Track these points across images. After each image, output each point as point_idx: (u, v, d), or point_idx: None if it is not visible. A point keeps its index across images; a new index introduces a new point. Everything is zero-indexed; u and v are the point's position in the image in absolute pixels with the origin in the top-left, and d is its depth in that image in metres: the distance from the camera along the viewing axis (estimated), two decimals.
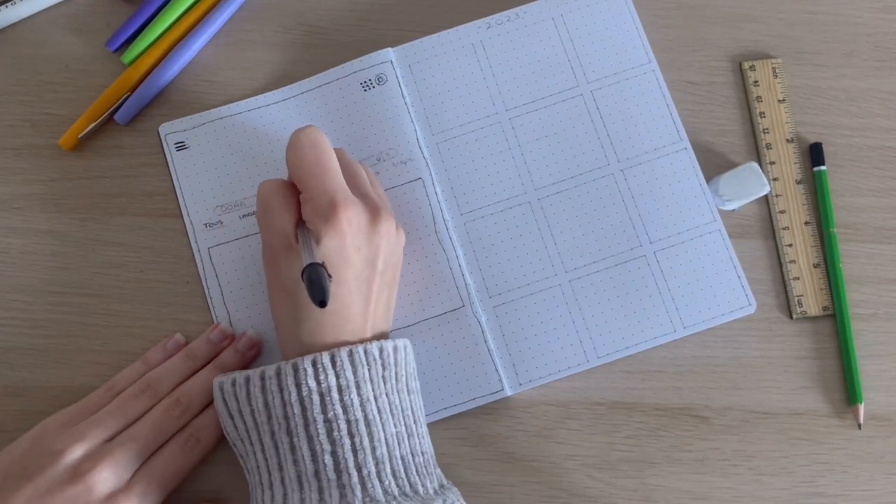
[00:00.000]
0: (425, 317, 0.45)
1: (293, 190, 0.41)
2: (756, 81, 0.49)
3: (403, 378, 0.40)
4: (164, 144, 0.47)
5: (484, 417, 0.45)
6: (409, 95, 0.48)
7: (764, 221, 0.48)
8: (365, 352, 0.39)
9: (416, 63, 0.48)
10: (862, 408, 0.45)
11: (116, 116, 0.47)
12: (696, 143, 0.49)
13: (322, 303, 0.36)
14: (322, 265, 0.37)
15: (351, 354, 0.38)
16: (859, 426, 0.45)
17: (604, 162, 0.47)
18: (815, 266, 0.47)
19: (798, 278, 0.47)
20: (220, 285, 0.45)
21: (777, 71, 0.50)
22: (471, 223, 0.46)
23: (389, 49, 0.48)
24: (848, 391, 0.46)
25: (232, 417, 0.40)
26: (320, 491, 0.37)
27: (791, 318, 0.47)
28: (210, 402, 0.43)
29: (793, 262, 0.47)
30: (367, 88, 0.47)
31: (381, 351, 0.39)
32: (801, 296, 0.47)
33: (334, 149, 0.41)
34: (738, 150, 0.49)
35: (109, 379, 0.44)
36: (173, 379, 0.43)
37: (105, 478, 0.38)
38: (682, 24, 0.51)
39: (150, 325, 0.45)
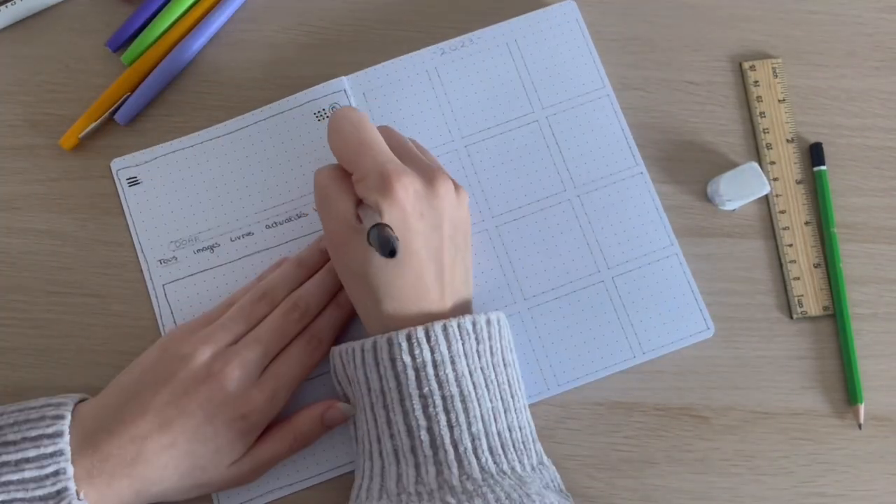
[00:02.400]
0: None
1: (347, 173, 0.41)
2: (756, 81, 0.49)
3: (499, 352, 0.40)
4: (116, 180, 0.46)
5: None
6: None
7: (764, 221, 0.48)
8: (459, 326, 0.39)
9: (371, 91, 0.48)
10: (862, 408, 0.45)
11: (116, 116, 0.47)
12: (696, 143, 0.49)
13: (392, 252, 0.36)
14: (386, 225, 0.37)
15: (445, 329, 0.38)
16: (859, 426, 0.45)
17: (560, 188, 0.47)
18: (816, 266, 0.47)
19: (798, 278, 0.47)
20: (175, 323, 0.45)
21: (777, 71, 0.50)
22: None
23: (343, 77, 0.47)
24: (848, 391, 0.46)
25: (340, 384, 0.42)
26: (416, 466, 0.37)
27: (791, 318, 0.47)
28: (327, 303, 0.44)
29: (793, 262, 0.47)
30: (320, 118, 0.47)
31: (474, 325, 0.39)
32: (801, 296, 0.47)
33: (379, 127, 0.41)
34: (739, 150, 0.49)
35: (111, 379, 0.44)
36: (287, 285, 0.43)
37: (237, 376, 0.40)
38: (682, 24, 0.51)
39: (149, 326, 0.45)
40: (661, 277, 0.46)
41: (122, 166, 0.46)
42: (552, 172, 0.47)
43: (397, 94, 0.48)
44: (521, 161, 0.47)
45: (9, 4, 0.48)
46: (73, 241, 0.46)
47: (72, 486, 0.37)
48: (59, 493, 0.37)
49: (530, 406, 0.44)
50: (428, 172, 0.40)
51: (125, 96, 0.48)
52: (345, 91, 0.47)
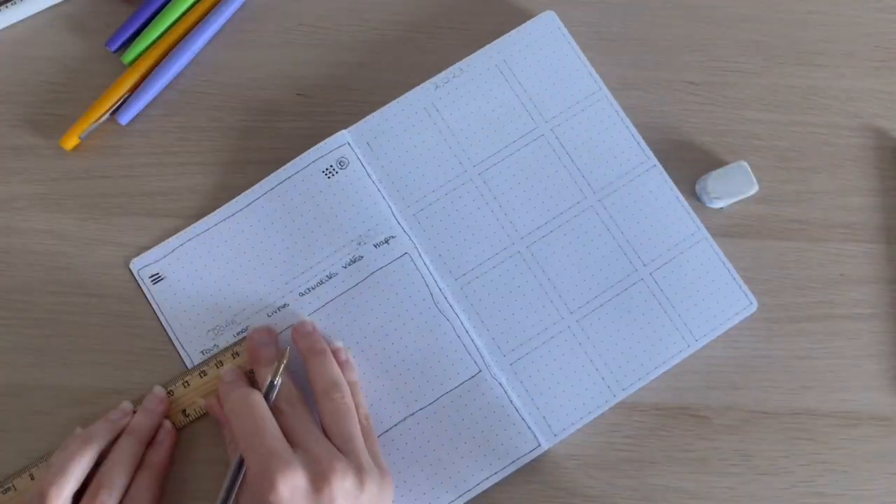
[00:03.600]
0: (444, 391, 0.44)
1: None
2: None
3: None
4: (139, 280, 0.45)
5: None
6: (375, 173, 0.47)
7: (764, 221, 0.48)
8: None
9: (374, 139, 0.47)
10: None
11: (116, 116, 0.47)
12: (695, 143, 0.49)
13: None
14: None
15: None
16: None
17: (580, 196, 0.47)
18: None
19: None
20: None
21: None
22: (467, 286, 0.46)
23: (344, 131, 0.47)
24: None
25: None
26: None
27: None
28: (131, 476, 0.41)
29: None
30: (330, 175, 0.46)
31: None
32: None
33: (312, 357, 0.42)
34: (738, 150, 0.49)
35: (111, 379, 0.44)
36: (124, 473, 0.40)
37: None
38: (681, 24, 0.51)
39: (149, 325, 0.45)
40: (697, 263, 0.46)
41: (142, 265, 0.45)
42: (569, 183, 0.47)
43: (401, 137, 0.47)
44: (537, 178, 0.47)
45: (9, 4, 0.48)
46: (73, 241, 0.46)
47: None
48: None
49: (597, 417, 0.44)
50: (321, 465, 0.37)
51: (125, 96, 0.48)
52: (348, 143, 0.47)
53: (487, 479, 0.43)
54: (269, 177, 0.46)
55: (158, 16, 0.49)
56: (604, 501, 0.44)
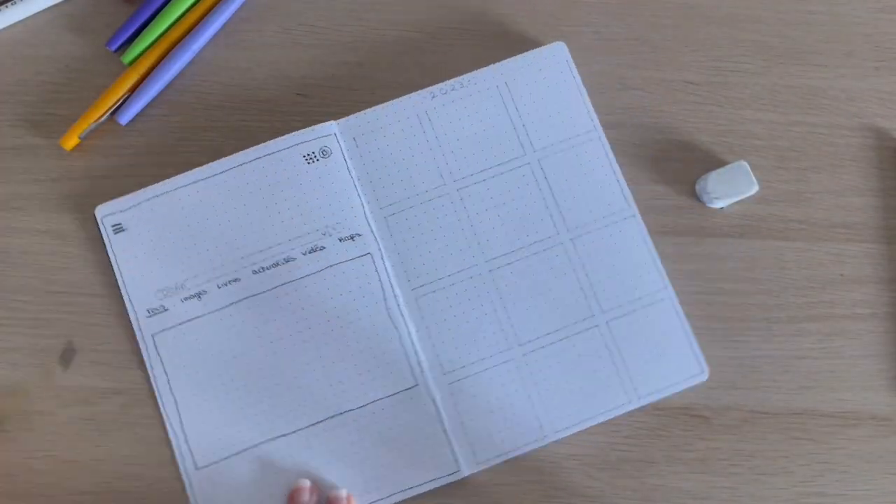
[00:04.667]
0: (376, 397, 0.44)
1: None
2: None
3: None
4: (101, 227, 0.45)
5: None
6: (355, 168, 0.47)
7: (764, 221, 0.48)
8: None
9: (361, 135, 0.47)
10: None
11: (117, 116, 0.47)
12: (695, 143, 0.49)
13: None
14: None
15: None
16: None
17: (553, 231, 0.47)
18: None
19: None
20: (166, 373, 0.44)
21: None
22: (422, 298, 0.46)
23: (332, 122, 0.47)
24: None
25: None
26: None
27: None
28: None
29: None
30: (310, 161, 0.46)
31: None
32: None
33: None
34: (737, 150, 0.49)
35: (111, 378, 0.44)
36: None
37: None
38: (682, 24, 0.51)
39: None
40: (656, 321, 0.46)
41: (106, 213, 0.45)
42: (545, 216, 0.47)
43: (388, 139, 0.47)
44: (514, 205, 0.47)
45: (9, 4, 0.48)
46: (73, 241, 0.46)
47: None
48: None
49: (523, 455, 0.44)
50: None
51: (125, 96, 0.48)
52: (335, 135, 0.47)
53: (401, 492, 0.43)
54: (249, 150, 0.46)
55: (158, 16, 0.49)
56: (604, 501, 0.44)
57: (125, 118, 0.47)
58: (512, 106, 0.48)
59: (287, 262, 0.45)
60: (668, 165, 0.48)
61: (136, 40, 0.48)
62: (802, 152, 0.49)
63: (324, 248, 0.45)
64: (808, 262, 0.48)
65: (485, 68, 0.48)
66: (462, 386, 0.45)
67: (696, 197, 0.48)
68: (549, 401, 0.45)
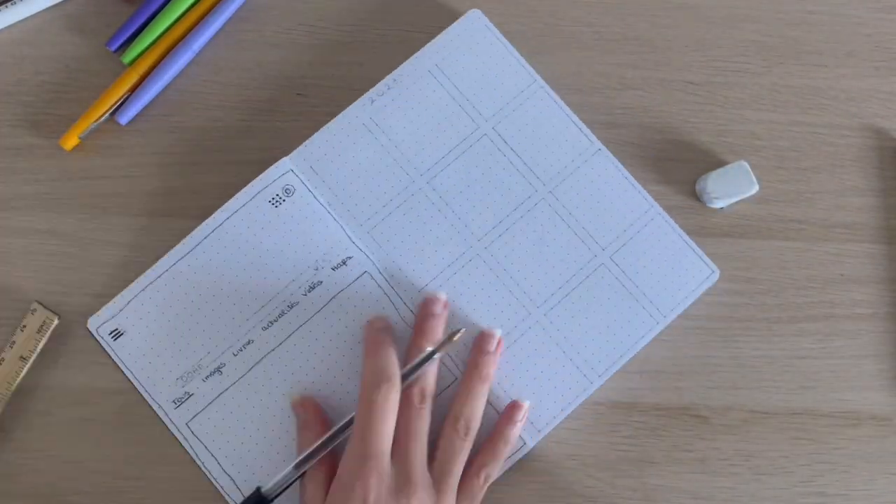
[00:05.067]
0: None
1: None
2: None
3: None
4: (98, 338, 0.44)
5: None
6: (323, 196, 0.46)
7: (764, 221, 0.48)
8: None
9: (317, 162, 0.47)
10: None
11: (116, 116, 0.47)
12: (695, 143, 0.49)
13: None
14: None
15: None
16: None
17: (531, 190, 0.47)
18: None
19: None
20: (212, 455, 0.43)
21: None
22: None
23: (285, 158, 0.46)
24: None
25: None
26: None
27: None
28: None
29: None
30: (277, 204, 0.46)
31: None
32: None
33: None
34: (737, 150, 0.49)
35: (111, 377, 0.44)
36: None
37: None
38: (681, 24, 0.51)
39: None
40: (654, 240, 0.47)
41: (99, 323, 0.44)
42: (517, 178, 0.47)
43: (344, 156, 0.47)
44: (485, 178, 0.47)
45: (9, 4, 0.48)
46: (73, 241, 0.46)
47: None
48: None
49: (577, 408, 0.44)
50: (408, 485, 0.39)
51: (125, 96, 0.48)
52: (291, 171, 0.46)
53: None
54: (215, 214, 0.45)
55: (158, 16, 0.49)
56: (604, 501, 0.44)
57: (125, 118, 0.47)
58: (450, 85, 0.48)
59: (292, 307, 0.45)
60: (668, 165, 0.48)
61: (136, 40, 0.48)
62: (802, 152, 0.49)
63: (321, 282, 0.45)
64: (808, 262, 0.48)
65: (410, 58, 0.48)
66: (499, 366, 0.45)
67: (696, 197, 0.48)
68: (583, 349, 0.45)
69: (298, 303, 0.45)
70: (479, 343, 0.44)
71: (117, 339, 0.44)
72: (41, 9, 0.49)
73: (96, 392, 0.44)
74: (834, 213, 0.48)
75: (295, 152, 0.47)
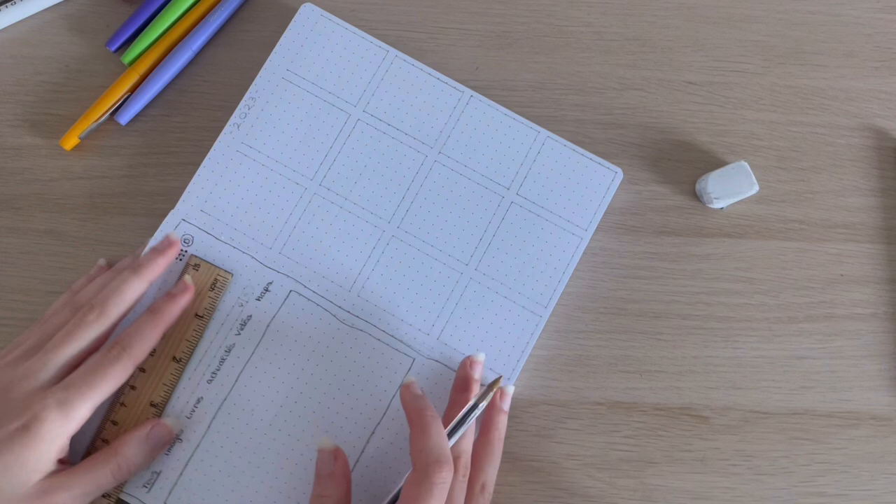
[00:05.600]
0: (392, 394, 0.44)
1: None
2: None
3: None
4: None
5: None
6: (224, 234, 0.45)
7: (764, 221, 0.48)
8: None
9: (205, 203, 0.46)
10: None
11: (116, 116, 0.47)
12: (694, 143, 0.49)
13: None
14: None
15: None
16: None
17: (421, 157, 0.47)
18: None
19: None
20: None
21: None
22: (363, 291, 0.45)
23: (171, 212, 0.45)
24: None
25: None
26: None
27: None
28: (132, 305, 0.42)
29: None
30: (181, 257, 0.45)
31: None
32: None
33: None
34: (738, 150, 0.49)
35: None
36: (95, 291, 0.42)
37: (22, 387, 0.38)
38: (682, 24, 0.51)
39: None
40: (552, 163, 0.47)
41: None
42: (404, 150, 0.47)
43: (230, 189, 0.46)
44: (373, 160, 0.47)
45: (9, 4, 0.48)
46: (73, 241, 0.46)
47: None
48: None
49: (538, 345, 0.45)
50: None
51: (125, 96, 0.48)
52: (184, 220, 0.45)
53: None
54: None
55: (158, 16, 0.49)
56: (604, 501, 0.44)
57: (125, 118, 0.47)
58: (308, 84, 0.48)
59: (229, 351, 0.44)
60: (668, 165, 0.48)
61: (136, 40, 0.48)
62: (802, 152, 0.49)
63: (250, 316, 0.44)
64: (808, 262, 0.48)
65: (260, 71, 0.47)
66: (450, 331, 0.45)
67: (696, 197, 0.48)
68: (522, 287, 0.46)
69: (234, 344, 0.44)
70: (496, 401, 0.44)
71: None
72: (41, 9, 0.49)
73: None
74: (834, 213, 0.48)
75: (180, 202, 0.46)
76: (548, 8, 0.50)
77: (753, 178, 0.47)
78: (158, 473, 0.42)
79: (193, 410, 0.43)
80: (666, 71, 0.50)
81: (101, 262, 0.45)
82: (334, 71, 0.48)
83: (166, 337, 0.44)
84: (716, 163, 0.49)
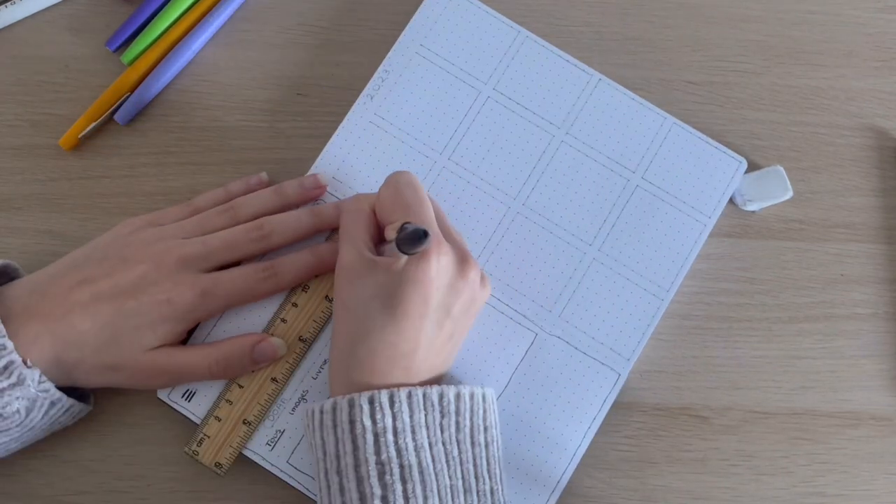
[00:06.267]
0: (513, 368, 0.45)
1: (374, 215, 0.42)
2: None
3: (467, 429, 0.39)
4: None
5: None
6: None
7: (764, 221, 0.48)
8: (424, 396, 0.38)
9: (337, 171, 0.46)
10: None
11: (116, 116, 0.47)
12: None
13: (425, 233, 0.35)
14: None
15: (410, 396, 0.37)
16: None
17: (548, 137, 0.48)
18: None
19: None
20: None
21: None
22: (487, 264, 0.46)
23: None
24: None
25: (311, 449, 0.40)
26: None
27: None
28: (293, 242, 0.44)
29: None
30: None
31: (441, 397, 0.38)
32: None
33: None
34: (738, 150, 0.49)
35: None
36: (256, 208, 0.44)
37: (173, 261, 0.41)
38: (682, 24, 0.51)
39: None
40: (678, 149, 0.48)
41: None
42: (532, 129, 0.48)
43: (361, 158, 0.47)
44: (502, 138, 0.48)
45: (9, 4, 0.48)
46: (73, 241, 0.46)
47: (16, 357, 0.37)
48: (6, 367, 0.37)
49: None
50: (463, 254, 0.40)
51: (125, 96, 0.48)
52: (315, 175, 0.46)
53: (589, 428, 0.44)
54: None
55: (158, 16, 0.49)
56: (604, 501, 0.44)
57: (125, 118, 0.47)
58: (440, 60, 0.48)
59: None
60: None
61: (136, 40, 0.48)
62: (802, 152, 0.49)
63: None
64: (808, 262, 0.48)
65: (394, 45, 0.48)
66: (571, 309, 0.46)
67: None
68: (644, 270, 0.46)
69: None
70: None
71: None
72: (41, 9, 0.49)
73: (97, 392, 0.44)
74: (834, 213, 0.48)
75: (313, 167, 0.47)
76: (547, 7, 0.50)
77: (788, 183, 0.47)
78: (282, 432, 0.43)
79: (319, 372, 0.44)
80: (666, 71, 0.50)
81: (264, 176, 0.46)
82: (466, 48, 0.49)
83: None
84: None
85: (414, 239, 0.36)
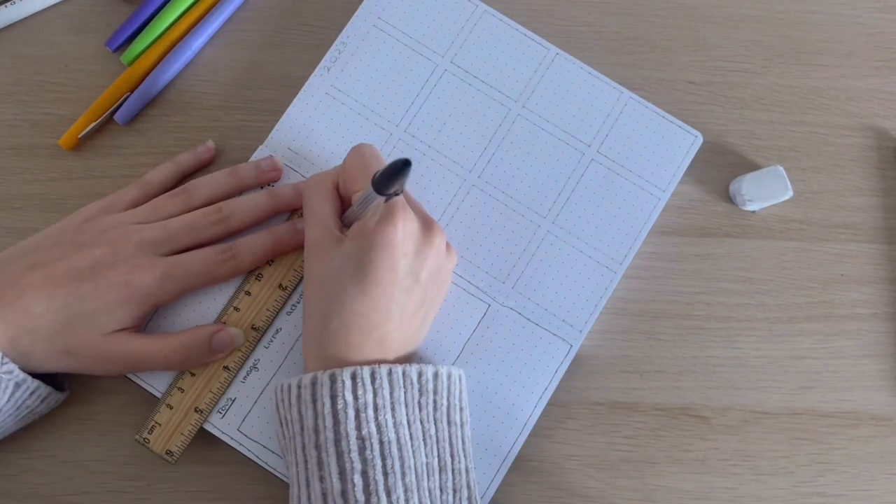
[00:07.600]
0: (466, 337, 0.45)
1: (336, 185, 0.42)
2: None
3: (444, 408, 0.39)
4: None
5: None
6: (308, 171, 0.47)
7: (764, 221, 0.48)
8: (403, 373, 0.38)
9: (293, 142, 0.47)
10: None
11: (116, 116, 0.47)
12: None
13: (407, 162, 0.34)
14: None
15: (390, 373, 0.38)
16: None
17: (505, 110, 0.48)
18: None
19: None
20: (273, 451, 0.43)
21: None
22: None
23: (260, 147, 0.47)
24: None
25: (281, 425, 0.40)
26: None
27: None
28: (253, 225, 0.44)
29: None
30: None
31: (419, 375, 0.39)
32: None
33: None
34: (739, 150, 0.49)
35: (107, 379, 0.44)
36: (211, 190, 0.44)
37: (131, 245, 0.41)
38: (682, 24, 0.51)
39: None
40: (633, 123, 0.48)
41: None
42: (488, 101, 0.48)
43: (317, 129, 0.47)
44: (458, 110, 0.48)
45: (9, 4, 0.48)
46: None
47: None
48: None
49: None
50: (428, 221, 0.41)
51: (125, 96, 0.48)
52: (271, 156, 0.46)
53: (540, 398, 0.44)
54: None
55: (158, 15, 0.49)
56: (604, 501, 0.44)
57: (125, 118, 0.47)
58: (398, 33, 0.48)
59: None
60: None
61: (136, 40, 0.48)
62: (802, 152, 0.49)
63: None
64: (808, 262, 0.48)
65: (352, 18, 0.49)
66: (524, 281, 0.46)
67: (696, 197, 0.48)
68: (598, 243, 0.46)
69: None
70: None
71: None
72: (41, 9, 0.49)
73: (96, 392, 0.44)
74: (834, 213, 0.48)
75: (268, 139, 0.47)
76: (548, 8, 0.50)
77: (788, 182, 0.47)
78: (233, 400, 0.43)
79: (272, 340, 0.44)
80: (666, 71, 0.50)
81: (210, 144, 0.47)
82: (424, 22, 0.49)
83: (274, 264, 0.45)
84: (715, 163, 0.48)
85: (394, 171, 0.35)
